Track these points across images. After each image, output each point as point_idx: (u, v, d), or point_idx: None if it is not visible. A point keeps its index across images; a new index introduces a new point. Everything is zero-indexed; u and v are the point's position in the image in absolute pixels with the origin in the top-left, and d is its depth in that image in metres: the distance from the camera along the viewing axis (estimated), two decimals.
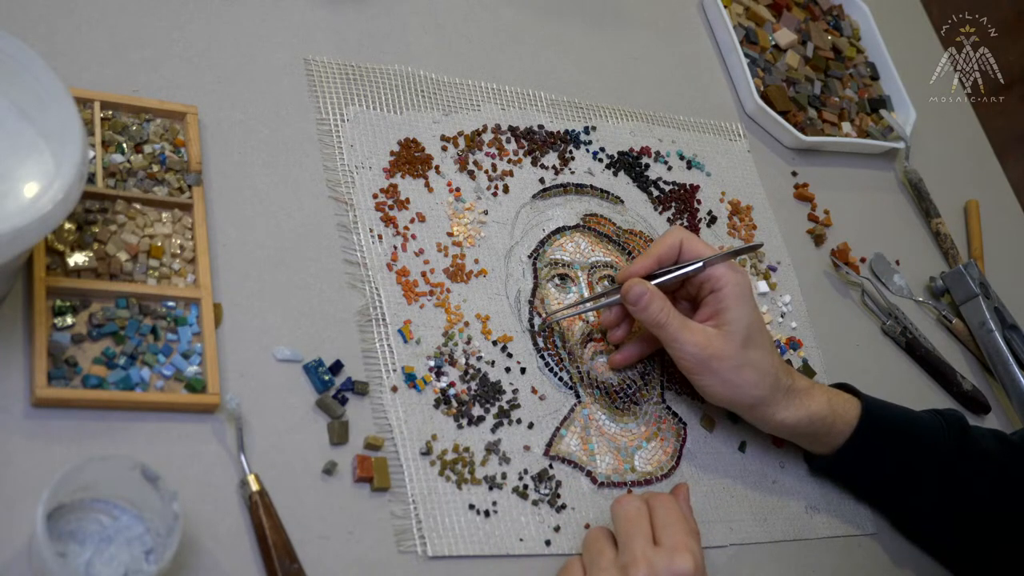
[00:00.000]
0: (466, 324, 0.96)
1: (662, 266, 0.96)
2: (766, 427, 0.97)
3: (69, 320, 0.80)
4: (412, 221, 0.98)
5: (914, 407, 1.16)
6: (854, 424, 0.98)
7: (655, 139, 1.18)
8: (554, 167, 1.10)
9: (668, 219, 1.13)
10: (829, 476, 1.03)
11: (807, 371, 1.10)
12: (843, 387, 1.03)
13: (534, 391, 0.95)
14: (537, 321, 0.99)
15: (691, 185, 1.17)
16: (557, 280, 1.02)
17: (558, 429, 0.95)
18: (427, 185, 1.01)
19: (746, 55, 1.28)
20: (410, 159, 1.02)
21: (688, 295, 0.98)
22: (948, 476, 1.00)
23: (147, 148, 0.90)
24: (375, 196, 0.98)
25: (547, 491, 0.91)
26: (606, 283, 1.04)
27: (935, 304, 1.25)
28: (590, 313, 1.02)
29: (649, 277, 0.95)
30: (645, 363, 1.02)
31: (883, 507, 1.05)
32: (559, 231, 1.06)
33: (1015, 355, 1.20)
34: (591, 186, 1.10)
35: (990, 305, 1.22)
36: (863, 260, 1.24)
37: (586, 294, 1.03)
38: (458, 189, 1.03)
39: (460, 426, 0.90)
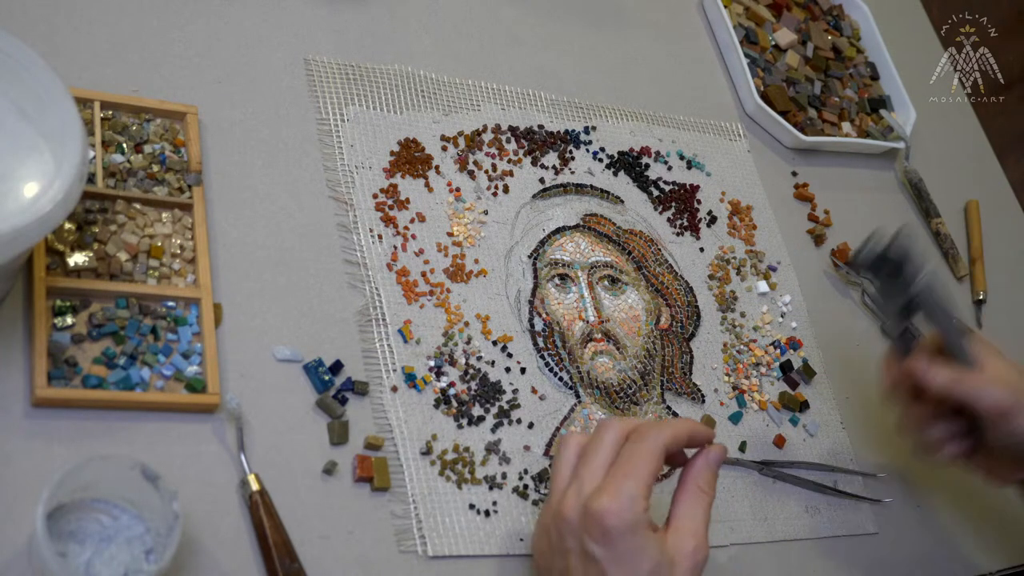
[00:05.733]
0: (466, 324, 0.96)
1: None
2: None
3: (69, 320, 0.80)
4: (412, 221, 0.98)
5: None
6: None
7: (655, 139, 1.18)
8: (554, 167, 1.10)
9: (668, 219, 1.13)
10: None
11: (807, 371, 1.10)
12: None
13: (534, 391, 0.95)
14: (537, 321, 0.99)
15: (691, 185, 1.17)
16: (557, 280, 1.02)
17: (558, 429, 0.95)
18: (427, 185, 1.01)
19: (746, 55, 1.29)
20: (410, 159, 1.02)
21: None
22: None
23: (147, 148, 0.90)
24: (375, 196, 0.98)
25: (547, 491, 0.91)
26: (606, 283, 1.05)
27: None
28: (590, 313, 1.02)
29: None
30: (645, 363, 1.02)
31: None
32: (559, 231, 1.06)
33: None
34: (591, 186, 1.10)
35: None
36: None
37: (586, 294, 1.03)
38: (458, 189, 1.03)
39: (460, 426, 0.90)
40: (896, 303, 0.85)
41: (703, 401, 1.03)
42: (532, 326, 0.99)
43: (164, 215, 0.88)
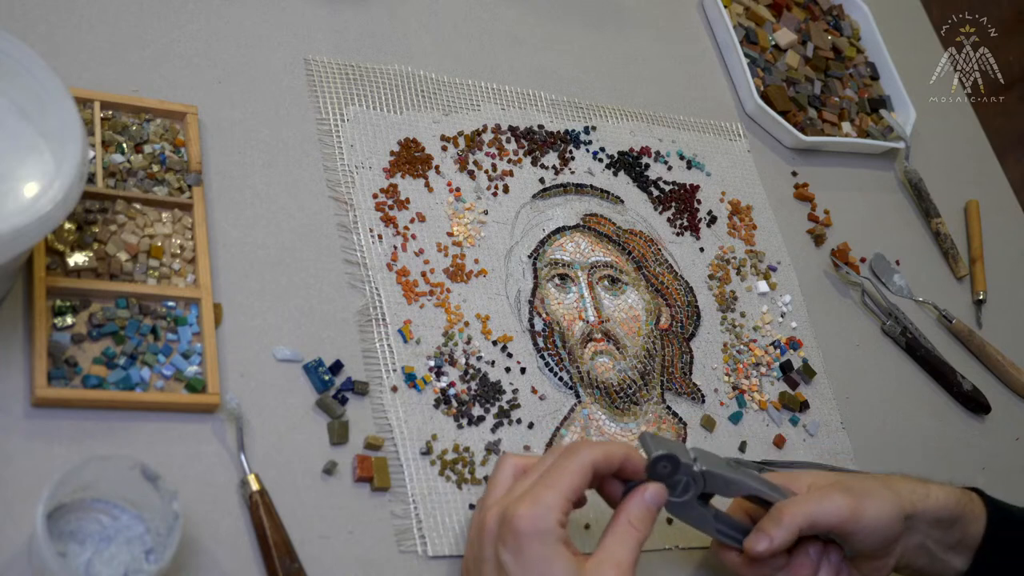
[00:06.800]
0: (466, 324, 0.96)
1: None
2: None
3: (69, 320, 0.80)
4: (412, 221, 0.98)
5: (914, 408, 1.16)
6: (983, 516, 0.90)
7: (655, 139, 1.18)
8: (554, 167, 1.10)
9: (668, 219, 1.13)
10: None
11: (807, 371, 1.10)
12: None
13: (534, 391, 0.95)
14: (537, 321, 0.99)
15: (691, 185, 1.17)
16: (557, 280, 1.02)
17: (558, 429, 0.95)
18: (427, 185, 1.01)
19: (746, 55, 1.28)
20: (410, 159, 1.02)
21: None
22: None
23: (147, 148, 0.90)
24: (375, 196, 0.98)
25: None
26: (606, 283, 1.05)
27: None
28: (590, 313, 1.02)
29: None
30: (645, 363, 1.02)
31: None
32: (559, 231, 1.06)
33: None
34: (591, 186, 1.10)
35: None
36: (863, 260, 1.24)
37: (586, 294, 1.03)
38: (458, 189, 1.03)
39: (460, 426, 0.90)
40: (691, 501, 0.83)
41: (703, 401, 1.03)
42: (532, 326, 0.99)
43: (164, 215, 0.88)
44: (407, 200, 0.99)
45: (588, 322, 1.01)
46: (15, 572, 0.71)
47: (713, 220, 1.16)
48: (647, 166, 1.16)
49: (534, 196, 1.07)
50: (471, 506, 0.87)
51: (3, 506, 0.72)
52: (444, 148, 1.04)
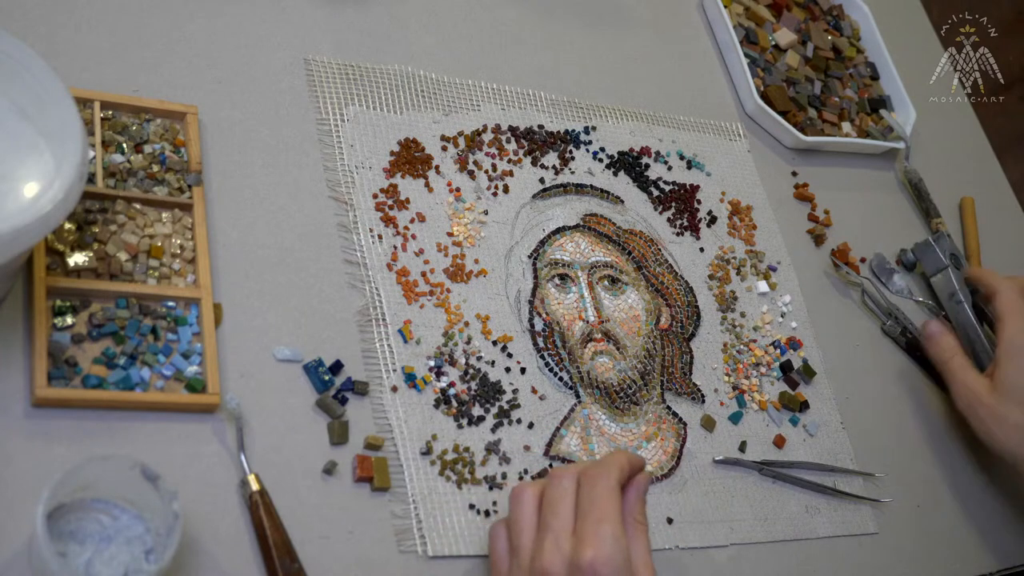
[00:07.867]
0: (466, 324, 0.96)
1: None
2: None
3: (69, 320, 0.80)
4: (412, 221, 0.98)
5: (914, 408, 1.17)
6: None
7: (655, 139, 1.18)
8: (554, 167, 1.10)
9: (668, 219, 1.13)
10: None
11: (807, 371, 1.10)
12: None
13: (534, 391, 0.95)
14: (537, 321, 0.99)
15: (691, 185, 1.17)
16: (557, 280, 1.02)
17: (558, 429, 0.95)
18: (427, 185, 1.01)
19: (746, 55, 1.28)
20: (410, 159, 1.02)
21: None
22: None
23: (147, 148, 0.90)
24: (375, 196, 0.98)
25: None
26: (606, 283, 1.05)
27: (933, 304, 1.25)
28: (590, 313, 1.02)
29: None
30: (645, 363, 1.02)
31: None
32: (559, 231, 1.06)
33: (990, 325, 1.20)
34: (591, 186, 1.10)
35: (960, 276, 1.21)
36: (863, 260, 1.24)
37: (586, 294, 1.03)
38: (458, 189, 1.03)
39: (460, 426, 0.90)
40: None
41: (703, 401, 1.03)
42: (532, 326, 0.99)
43: (164, 215, 0.88)
44: (407, 200, 0.99)
45: (588, 322, 1.01)
46: (15, 572, 0.71)
47: (713, 220, 1.16)
48: (647, 166, 1.16)
49: (534, 196, 1.07)
50: (471, 506, 0.87)
51: (3, 506, 0.72)
52: (444, 148, 1.04)
